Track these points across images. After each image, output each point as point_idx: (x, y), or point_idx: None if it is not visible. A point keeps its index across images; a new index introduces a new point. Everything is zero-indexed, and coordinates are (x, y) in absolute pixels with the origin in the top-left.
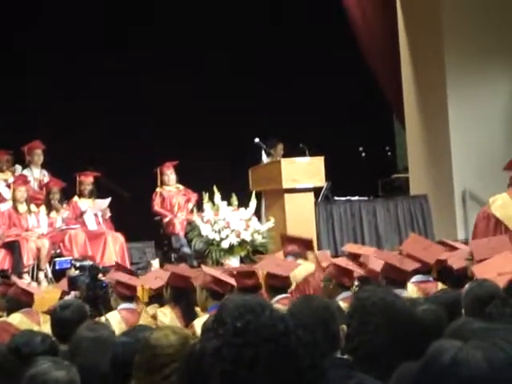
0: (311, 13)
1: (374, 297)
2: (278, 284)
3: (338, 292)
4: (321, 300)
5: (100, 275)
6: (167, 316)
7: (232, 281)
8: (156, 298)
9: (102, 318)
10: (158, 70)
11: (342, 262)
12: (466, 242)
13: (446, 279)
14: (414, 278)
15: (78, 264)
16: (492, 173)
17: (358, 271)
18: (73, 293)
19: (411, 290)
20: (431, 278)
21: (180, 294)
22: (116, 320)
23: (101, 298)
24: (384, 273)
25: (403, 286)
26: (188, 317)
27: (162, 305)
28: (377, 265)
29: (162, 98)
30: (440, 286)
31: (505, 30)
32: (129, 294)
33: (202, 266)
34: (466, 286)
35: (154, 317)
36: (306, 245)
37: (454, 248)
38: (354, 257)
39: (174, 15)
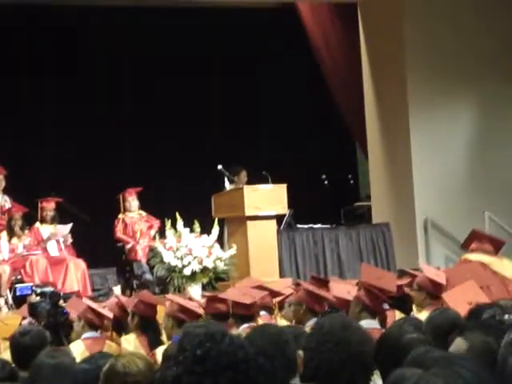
0: (275, 43)
1: (331, 319)
2: (243, 312)
3: (307, 317)
4: (275, 327)
5: (61, 302)
6: (131, 344)
7: (198, 309)
8: (116, 325)
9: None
10: (119, 93)
11: (314, 287)
12: None
13: (401, 307)
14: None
15: (38, 290)
16: (454, 201)
17: (330, 298)
18: (28, 318)
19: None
20: (388, 306)
21: (147, 323)
22: (80, 350)
23: (61, 324)
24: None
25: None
26: (154, 345)
27: (121, 333)
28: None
29: (124, 123)
30: (397, 314)
31: (466, 57)
32: (98, 323)
33: (168, 295)
34: (427, 314)
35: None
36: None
37: (413, 276)
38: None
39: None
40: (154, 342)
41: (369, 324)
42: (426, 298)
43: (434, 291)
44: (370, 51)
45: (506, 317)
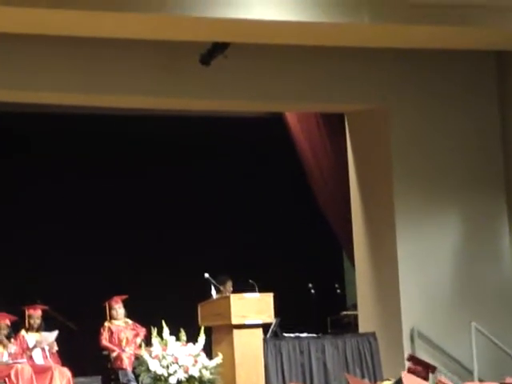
0: (264, 152)
1: None
2: None
3: None
4: None
5: None
6: None
7: None
8: None
9: None
10: (101, 195)
11: None
12: None
13: None
14: None
15: None
16: (440, 312)
17: None
18: None
19: None
20: None
21: None
22: None
23: None
24: None
25: None
26: None
27: None
28: None
29: (111, 227)
30: None
31: (453, 166)
32: None
33: None
34: None
35: None
36: None
37: None
38: None
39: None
40: None
41: None
42: None
43: None
44: (357, 161)
45: None
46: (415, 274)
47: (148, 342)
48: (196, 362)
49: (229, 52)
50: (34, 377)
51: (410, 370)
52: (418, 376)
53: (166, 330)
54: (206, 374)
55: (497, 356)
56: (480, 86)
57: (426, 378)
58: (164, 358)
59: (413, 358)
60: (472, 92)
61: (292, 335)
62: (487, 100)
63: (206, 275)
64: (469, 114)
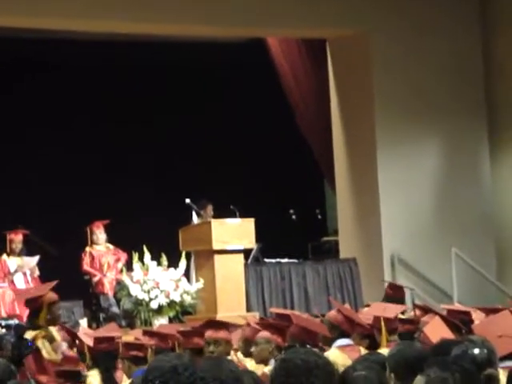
0: (244, 78)
1: (296, 358)
2: None
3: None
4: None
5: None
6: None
7: (150, 341)
8: None
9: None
10: (86, 123)
11: (308, 323)
12: None
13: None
14: (338, 343)
15: (3, 323)
16: (421, 237)
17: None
18: None
19: (335, 355)
20: (352, 343)
21: (100, 358)
22: None
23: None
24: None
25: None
26: (107, 382)
27: None
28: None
29: (91, 155)
30: (362, 350)
31: (434, 94)
32: (142, 355)
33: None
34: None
35: None
36: None
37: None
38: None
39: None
40: (107, 379)
41: (344, 342)
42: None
43: (347, 329)
44: (339, 87)
45: (477, 351)
46: (396, 200)
47: (129, 266)
48: (177, 286)
49: None
50: (15, 301)
51: (387, 295)
52: (395, 300)
53: (147, 255)
54: (187, 299)
55: (477, 281)
56: (461, 12)
57: (402, 302)
58: (145, 282)
59: (391, 284)
60: (453, 18)
61: (273, 261)
62: (468, 26)
63: (188, 200)
64: (450, 41)
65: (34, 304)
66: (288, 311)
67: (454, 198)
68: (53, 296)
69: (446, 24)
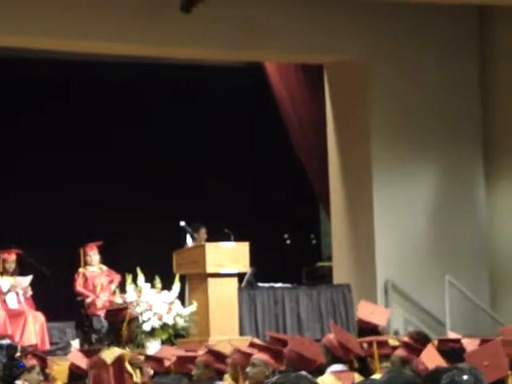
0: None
1: (286, 383)
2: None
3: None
4: None
5: (18, 355)
6: None
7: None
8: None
9: None
10: (77, 145)
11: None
12: None
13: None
14: (332, 368)
15: None
16: (415, 264)
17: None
18: None
19: (329, 381)
20: (346, 368)
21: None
22: None
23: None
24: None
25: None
26: None
27: None
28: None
29: (86, 176)
30: (357, 376)
31: (431, 122)
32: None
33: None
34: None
35: None
36: None
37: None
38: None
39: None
40: None
41: (338, 368)
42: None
43: (341, 355)
44: (335, 113)
45: (465, 378)
46: (391, 226)
47: (122, 288)
48: (170, 309)
49: None
50: (7, 321)
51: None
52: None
53: (140, 277)
54: (180, 322)
55: (470, 310)
56: (460, 40)
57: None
58: (138, 304)
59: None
60: (451, 46)
61: (267, 285)
62: (466, 54)
63: (182, 223)
64: (448, 68)
65: (117, 318)
66: (288, 336)
67: (448, 226)
68: (133, 312)
69: (443, 51)
